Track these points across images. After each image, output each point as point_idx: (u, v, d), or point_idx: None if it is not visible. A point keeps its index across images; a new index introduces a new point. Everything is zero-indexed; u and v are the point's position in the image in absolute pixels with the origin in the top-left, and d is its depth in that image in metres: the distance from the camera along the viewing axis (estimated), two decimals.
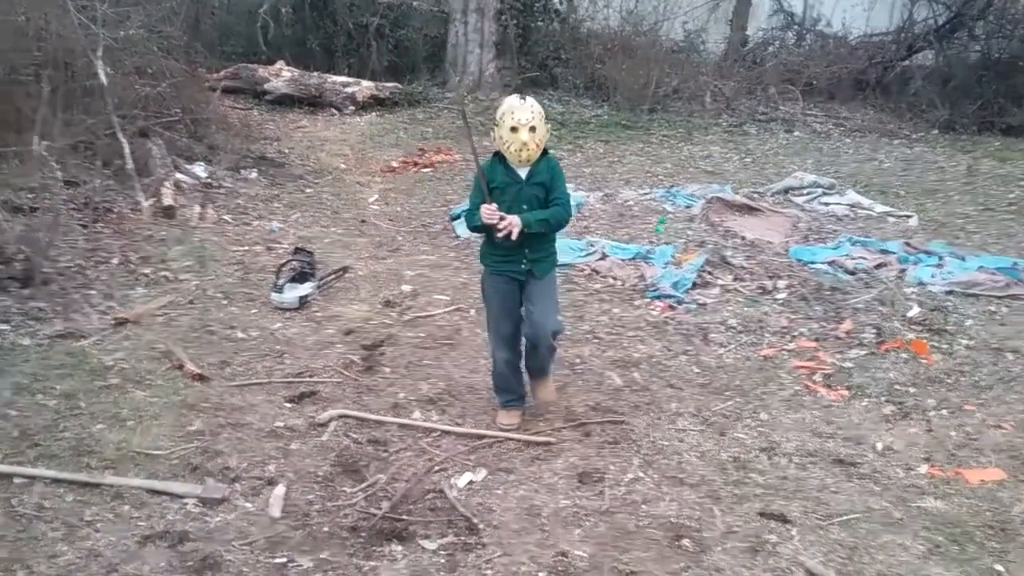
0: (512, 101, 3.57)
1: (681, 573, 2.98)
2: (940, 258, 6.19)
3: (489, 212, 3.53)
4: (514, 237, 3.51)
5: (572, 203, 3.66)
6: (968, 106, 11.92)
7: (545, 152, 3.66)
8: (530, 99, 3.59)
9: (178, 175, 7.16)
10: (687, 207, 7.31)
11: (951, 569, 3.03)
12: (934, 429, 4.01)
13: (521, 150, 3.54)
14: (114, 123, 6.83)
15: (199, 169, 7.55)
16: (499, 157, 3.65)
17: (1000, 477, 3.62)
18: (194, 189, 7.12)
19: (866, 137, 11.25)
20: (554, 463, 3.66)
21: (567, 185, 3.70)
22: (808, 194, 8.01)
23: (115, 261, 5.58)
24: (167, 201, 6.55)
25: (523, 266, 3.70)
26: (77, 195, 6.28)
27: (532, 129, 3.52)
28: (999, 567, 3.04)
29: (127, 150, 6.79)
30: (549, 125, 3.65)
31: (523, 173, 3.63)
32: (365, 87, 11.53)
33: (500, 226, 3.52)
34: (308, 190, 7.88)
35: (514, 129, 3.52)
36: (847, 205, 7.76)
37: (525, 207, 3.59)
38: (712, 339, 4.91)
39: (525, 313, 3.80)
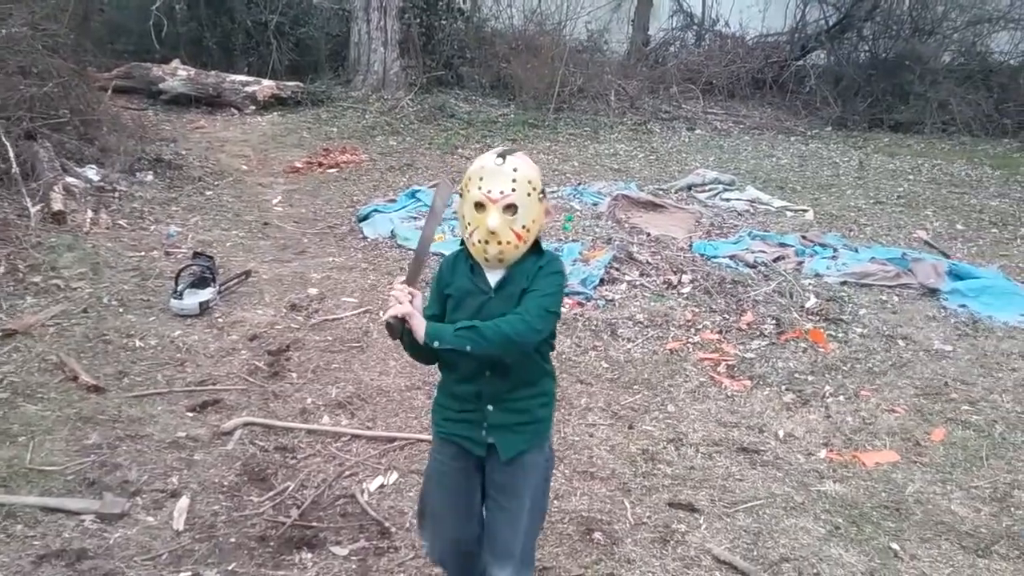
0: (484, 159, 2.24)
1: (593, 566, 3.02)
2: (835, 250, 6.44)
3: (398, 294, 2.23)
4: (419, 337, 2.21)
5: (546, 315, 2.21)
6: (859, 104, 12.45)
7: (538, 247, 2.32)
8: (516, 158, 2.23)
9: (68, 179, 6.84)
10: (594, 204, 7.40)
11: (850, 549, 3.15)
12: (832, 415, 4.16)
13: (487, 243, 2.20)
14: None
15: (91, 172, 7.23)
16: (464, 250, 2.33)
17: (894, 459, 3.78)
18: (86, 193, 6.81)
19: (764, 134, 11.62)
20: None
21: (558, 296, 2.27)
22: (710, 190, 8.22)
23: (1, 270, 5.30)
24: (57, 206, 6.25)
25: (482, 433, 2.34)
26: None
27: (510, 209, 2.18)
28: (894, 545, 3.18)
29: (12, 153, 6.46)
30: (545, 198, 2.29)
31: (494, 278, 2.28)
32: (266, 86, 11.27)
33: (389, 312, 2.23)
34: (208, 192, 7.65)
35: (479, 206, 2.20)
36: (747, 201, 7.99)
37: None
38: (620, 334, 4.99)
39: (486, 522, 2.46)
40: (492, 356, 2.20)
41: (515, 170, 2.21)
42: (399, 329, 2.21)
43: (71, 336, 4.65)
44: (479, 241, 2.22)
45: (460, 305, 2.31)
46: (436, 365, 2.41)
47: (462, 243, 2.34)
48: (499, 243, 2.20)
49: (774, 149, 10.71)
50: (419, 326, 2.20)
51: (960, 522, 3.34)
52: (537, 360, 2.34)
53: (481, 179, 2.21)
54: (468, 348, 2.15)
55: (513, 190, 2.18)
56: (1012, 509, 3.43)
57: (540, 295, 2.21)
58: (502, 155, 2.22)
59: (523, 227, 2.21)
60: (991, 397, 4.38)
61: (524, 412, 2.35)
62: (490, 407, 2.32)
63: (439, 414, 2.44)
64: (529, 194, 2.20)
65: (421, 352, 2.29)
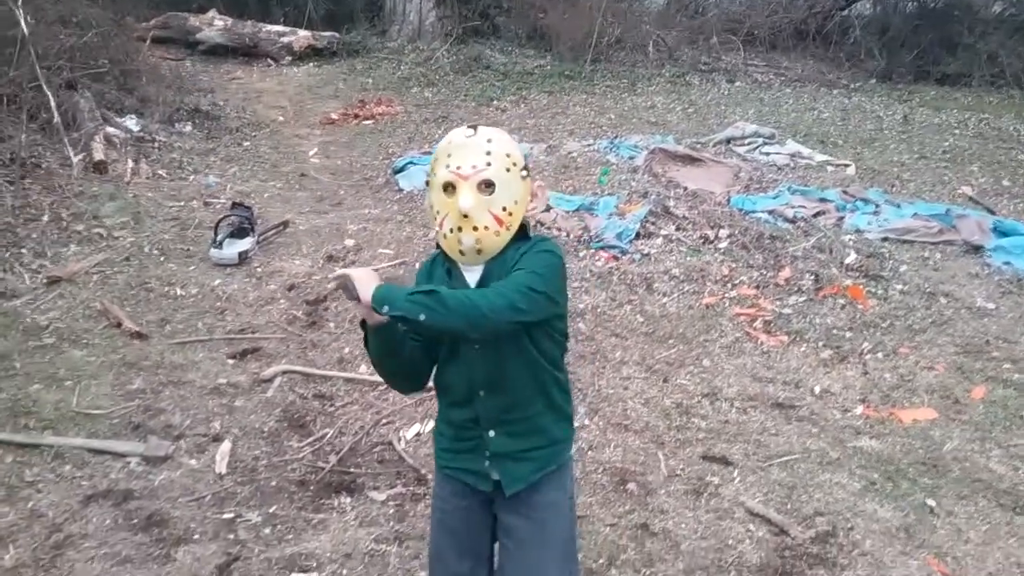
0: (452, 134, 1.90)
1: (626, 516, 3.05)
2: (876, 206, 6.32)
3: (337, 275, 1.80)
4: (364, 296, 1.73)
5: (528, 294, 1.76)
6: (904, 56, 12.13)
7: (524, 232, 1.92)
8: (490, 130, 1.88)
9: (108, 129, 6.91)
10: (630, 158, 7.33)
11: (885, 504, 3.15)
12: (869, 372, 4.13)
13: (460, 231, 1.83)
14: (39, 75, 6.55)
15: (130, 122, 7.30)
16: (442, 254, 1.95)
17: (932, 416, 3.75)
18: (126, 143, 6.88)
19: (806, 87, 11.37)
20: None
21: (550, 277, 1.82)
22: (749, 144, 8.09)
23: (46, 218, 5.39)
24: (98, 156, 6.32)
25: (485, 464, 1.96)
26: (3, 150, 6.03)
27: (486, 186, 1.82)
28: (931, 501, 3.17)
29: (53, 103, 6.53)
30: (528, 175, 1.90)
31: (473, 278, 1.91)
32: (302, 37, 11.24)
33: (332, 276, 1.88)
34: (245, 143, 7.69)
35: (448, 188, 1.84)
36: (787, 154, 7.86)
37: (476, 344, 1.88)
38: (655, 288, 4.97)
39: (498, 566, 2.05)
40: (454, 331, 1.76)
41: (489, 141, 1.84)
42: (352, 292, 1.75)
43: (114, 284, 4.74)
44: (451, 231, 1.83)
45: None
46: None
47: (437, 246, 1.95)
48: (474, 229, 1.81)
49: (816, 102, 10.49)
50: (365, 284, 1.73)
51: (998, 480, 3.31)
52: (542, 365, 1.91)
53: (449, 156, 1.84)
54: (422, 317, 1.68)
55: (488, 164, 1.81)
56: None
57: (524, 272, 1.79)
58: (473, 126, 1.88)
59: (503, 208, 1.83)
60: None
61: (532, 434, 1.94)
62: (491, 432, 1.93)
63: (438, 443, 2.09)
64: (508, 169, 1.83)
65: (388, 354, 1.89)
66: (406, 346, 1.90)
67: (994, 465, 3.41)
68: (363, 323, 1.84)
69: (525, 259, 1.83)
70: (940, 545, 2.95)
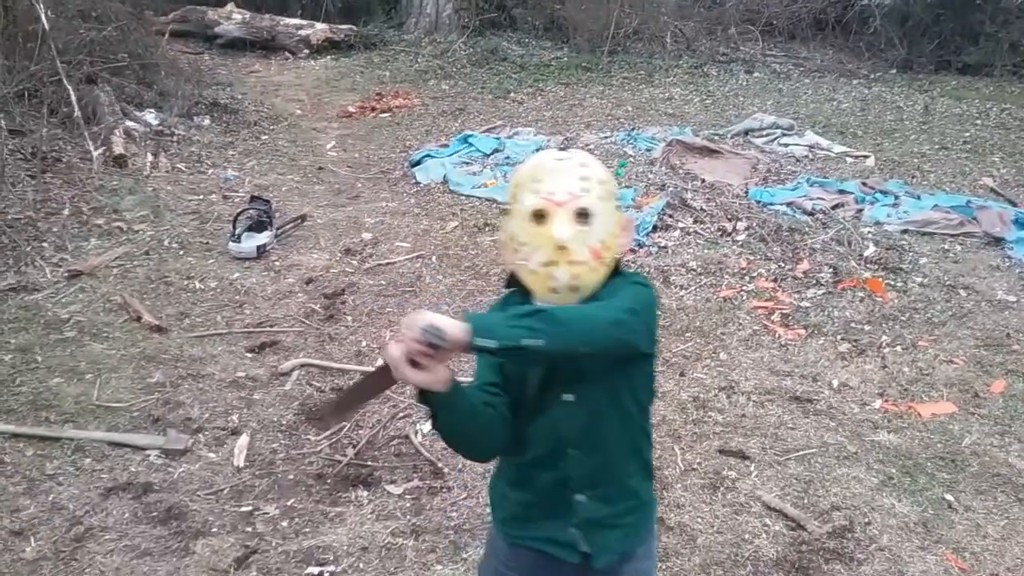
0: (538, 157, 1.69)
1: None
2: (896, 197, 6.27)
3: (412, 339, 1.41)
4: (455, 337, 1.39)
5: (631, 313, 1.56)
6: (925, 45, 11.97)
7: (618, 270, 1.69)
8: (582, 154, 1.69)
9: (128, 123, 6.96)
10: (647, 150, 7.29)
11: (903, 499, 3.13)
12: (888, 365, 4.10)
13: (555, 265, 1.59)
14: (59, 69, 6.60)
15: (150, 116, 7.35)
16: (518, 292, 1.70)
17: (951, 410, 3.72)
18: (145, 137, 6.93)
19: (825, 77, 11.26)
20: None
21: (647, 308, 1.63)
22: (768, 135, 8.03)
23: (66, 212, 5.45)
24: (118, 150, 6.38)
25: (572, 532, 1.69)
26: (24, 144, 6.09)
27: (583, 216, 1.60)
28: (949, 496, 3.15)
29: (74, 97, 6.58)
30: (621, 206, 1.83)
31: None
32: (319, 30, 11.26)
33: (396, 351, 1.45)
34: (263, 137, 7.73)
35: (538, 216, 1.60)
36: (806, 146, 7.79)
37: (569, 396, 1.63)
38: (673, 281, 4.95)
39: None
40: (572, 352, 1.47)
41: (584, 165, 1.63)
42: (438, 335, 1.38)
43: (134, 277, 4.78)
44: (543, 265, 1.58)
45: (521, 373, 1.65)
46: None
47: (508, 284, 1.72)
48: (571, 263, 1.57)
49: (835, 93, 10.39)
50: (446, 322, 1.39)
51: (1018, 475, 3.28)
52: (635, 419, 1.71)
53: (537, 181, 1.62)
54: (541, 342, 1.40)
55: (585, 191, 1.60)
56: None
57: (619, 297, 1.59)
58: (564, 148, 1.72)
59: (600, 241, 1.61)
60: None
61: (625, 497, 1.72)
62: (580, 496, 1.68)
63: (502, 509, 1.78)
64: (604, 198, 1.62)
65: (470, 419, 1.56)
66: (480, 408, 1.60)
67: (1013, 460, 3.38)
68: (424, 396, 1.49)
69: (619, 293, 1.61)
70: (958, 540, 2.93)
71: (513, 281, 1.70)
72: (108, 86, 7.26)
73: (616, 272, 1.69)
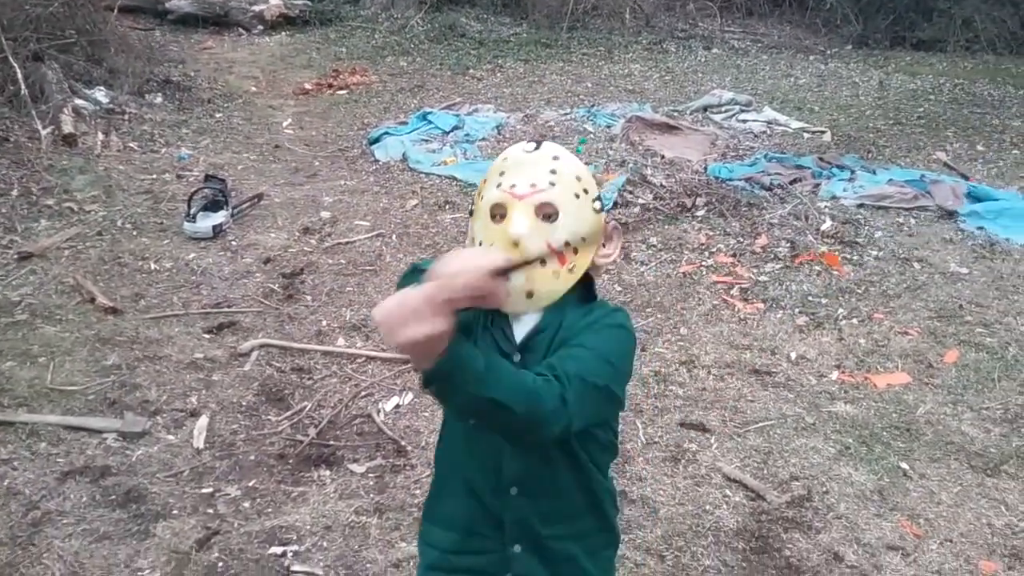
0: (509, 150, 1.52)
1: None
2: (852, 172, 6.35)
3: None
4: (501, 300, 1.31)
5: (585, 388, 1.32)
6: (880, 21, 12.11)
7: (589, 287, 1.54)
8: (555, 146, 1.50)
9: (77, 101, 6.78)
10: (607, 127, 7.30)
11: (859, 468, 3.19)
12: (845, 337, 4.17)
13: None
14: (4, 46, 6.41)
15: (100, 94, 7.16)
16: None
17: (906, 381, 3.80)
18: (95, 115, 6.76)
19: (782, 53, 11.34)
20: None
21: (617, 365, 1.42)
22: (726, 112, 8.07)
23: (15, 193, 5.30)
24: (67, 128, 6.21)
25: (508, 549, 1.51)
26: None
27: (546, 213, 1.43)
28: (904, 465, 3.22)
29: (20, 74, 6.39)
30: (605, 212, 1.55)
31: (521, 330, 1.48)
32: (273, 5, 11.04)
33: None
34: (218, 115, 7.58)
35: (497, 212, 1.45)
36: (764, 122, 7.85)
37: None
38: (633, 257, 4.97)
39: None
40: (492, 417, 1.27)
41: (555, 158, 1.46)
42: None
43: (86, 259, 4.68)
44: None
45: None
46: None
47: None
48: (526, 263, 1.37)
49: (792, 69, 10.48)
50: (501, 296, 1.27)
51: (970, 442, 3.37)
52: (591, 471, 1.51)
53: (502, 174, 1.46)
54: (480, 384, 1.23)
55: (551, 184, 1.43)
56: (1022, 430, 3.45)
57: (584, 353, 1.36)
58: (536, 142, 1.49)
59: (566, 243, 1.43)
60: (1005, 319, 4.37)
61: (572, 560, 1.51)
62: (517, 547, 1.49)
63: (427, 555, 1.58)
64: (577, 195, 1.44)
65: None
66: None
67: (966, 428, 3.46)
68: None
69: (590, 334, 1.40)
70: (913, 507, 3.00)
71: None
72: (56, 63, 7.06)
73: (590, 292, 1.52)
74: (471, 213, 1.51)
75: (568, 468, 1.48)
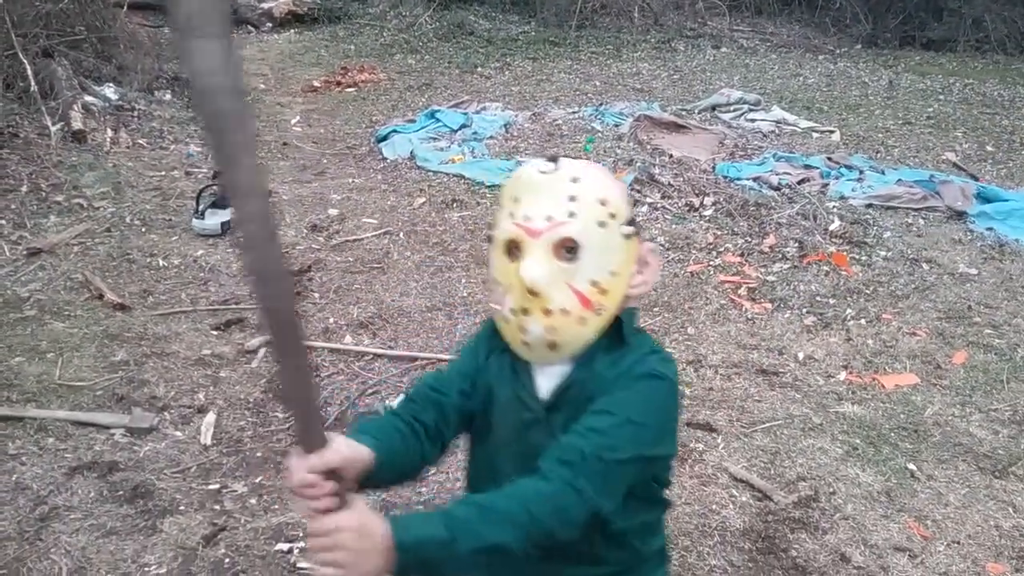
0: (523, 169, 1.33)
1: None
2: (861, 172, 6.33)
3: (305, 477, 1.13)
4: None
5: (608, 469, 1.18)
6: (890, 20, 12.08)
7: (620, 333, 1.32)
8: (575, 165, 1.30)
9: (87, 97, 6.81)
10: (615, 125, 7.29)
11: (867, 469, 3.18)
12: (852, 338, 4.15)
13: (525, 315, 1.27)
14: (14, 42, 6.43)
15: (109, 91, 7.19)
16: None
17: (914, 381, 3.78)
18: (105, 112, 6.79)
19: (791, 53, 11.33)
20: None
21: (651, 426, 1.24)
22: (735, 111, 8.07)
23: (24, 189, 5.32)
24: (77, 125, 6.24)
25: None
26: None
27: (566, 248, 1.25)
28: (911, 466, 3.20)
29: (30, 71, 6.42)
30: (633, 230, 1.32)
31: (546, 383, 1.32)
32: (282, 3, 11.09)
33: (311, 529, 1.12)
34: None
35: (513, 248, 1.28)
36: (772, 121, 7.84)
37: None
38: None
39: None
40: (504, 554, 1.12)
41: (575, 180, 1.25)
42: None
43: (95, 255, 4.69)
44: (513, 312, 1.26)
45: (493, 421, 1.35)
46: None
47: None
48: (546, 312, 1.23)
49: (801, 68, 10.46)
50: (336, 535, 1.09)
51: (978, 444, 3.35)
52: (630, 541, 1.33)
53: (516, 200, 1.27)
54: (454, 547, 1.09)
55: (571, 214, 1.23)
56: None
57: (606, 421, 1.20)
58: (553, 159, 1.28)
59: (592, 283, 1.24)
60: (1015, 321, 4.35)
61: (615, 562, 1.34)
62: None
63: None
64: (603, 223, 1.25)
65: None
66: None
67: (974, 429, 3.45)
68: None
69: (617, 391, 1.23)
70: (920, 508, 2.99)
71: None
72: (65, 60, 7.09)
73: (620, 333, 1.31)
74: (489, 239, 1.34)
75: (602, 542, 1.29)
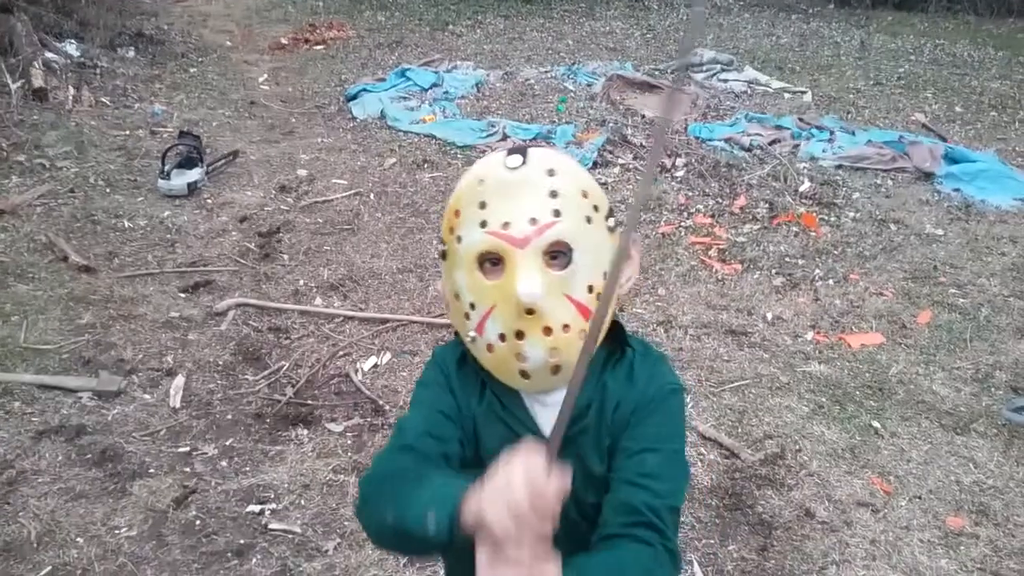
0: (484, 165, 1.12)
1: None
2: (831, 133, 6.35)
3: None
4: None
5: (677, 505, 1.15)
6: None
7: (617, 332, 1.19)
8: (544, 154, 1.10)
9: (48, 54, 6.64)
10: (588, 85, 7.24)
11: (832, 427, 3.23)
12: (820, 298, 4.20)
13: (520, 344, 1.07)
14: None
15: (70, 47, 7.02)
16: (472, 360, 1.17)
17: (879, 341, 3.84)
18: (67, 69, 6.63)
19: (764, 12, 11.28)
20: None
21: (683, 440, 1.20)
22: (707, 71, 8.04)
23: None
24: (37, 82, 6.09)
25: None
26: None
27: (559, 255, 1.07)
28: (876, 423, 3.26)
29: None
30: (615, 221, 1.14)
31: (549, 415, 1.12)
32: None
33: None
34: (192, 70, 7.45)
35: (487, 262, 1.09)
36: (745, 81, 7.83)
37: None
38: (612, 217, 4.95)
39: None
40: None
41: (551, 173, 1.09)
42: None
43: (59, 216, 4.61)
44: (503, 339, 1.08)
45: (490, 460, 1.00)
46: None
47: (459, 342, 1.20)
48: (546, 332, 1.06)
49: (774, 27, 10.43)
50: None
51: (940, 401, 3.42)
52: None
53: (483, 204, 1.08)
54: None
55: (557, 212, 1.07)
56: (992, 389, 3.51)
57: (657, 463, 1.11)
58: (519, 151, 1.10)
59: (588, 289, 1.09)
60: (979, 281, 4.41)
61: None
62: None
63: None
64: (589, 219, 1.10)
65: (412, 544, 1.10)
66: None
67: (937, 387, 3.51)
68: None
69: (651, 424, 1.12)
70: (884, 465, 3.05)
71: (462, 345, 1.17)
72: (24, 15, 6.90)
73: (617, 336, 1.18)
74: (442, 256, 1.13)
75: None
